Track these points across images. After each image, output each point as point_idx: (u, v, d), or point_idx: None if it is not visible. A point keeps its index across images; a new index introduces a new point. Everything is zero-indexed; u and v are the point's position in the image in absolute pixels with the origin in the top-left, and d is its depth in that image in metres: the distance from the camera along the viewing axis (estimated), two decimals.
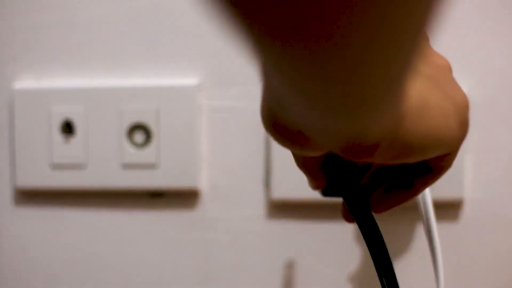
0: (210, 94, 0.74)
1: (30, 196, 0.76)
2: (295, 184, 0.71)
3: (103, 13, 0.75)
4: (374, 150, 0.39)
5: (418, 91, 0.42)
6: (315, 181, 0.51)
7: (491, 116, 0.71)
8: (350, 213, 0.49)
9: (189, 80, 0.74)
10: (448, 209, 0.71)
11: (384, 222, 0.72)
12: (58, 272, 0.76)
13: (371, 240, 0.47)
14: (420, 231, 0.72)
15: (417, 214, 0.66)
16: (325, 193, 0.51)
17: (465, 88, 0.71)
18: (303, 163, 0.51)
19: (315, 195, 0.72)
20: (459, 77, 0.72)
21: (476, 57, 0.71)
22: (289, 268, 0.73)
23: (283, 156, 0.71)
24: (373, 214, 0.49)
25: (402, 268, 0.72)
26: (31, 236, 0.76)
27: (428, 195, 0.62)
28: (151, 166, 0.73)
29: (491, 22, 0.71)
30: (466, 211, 0.72)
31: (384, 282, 0.48)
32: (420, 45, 0.33)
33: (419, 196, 0.62)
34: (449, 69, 0.49)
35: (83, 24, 0.75)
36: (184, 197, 0.74)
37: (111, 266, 0.75)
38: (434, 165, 0.48)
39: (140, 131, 0.74)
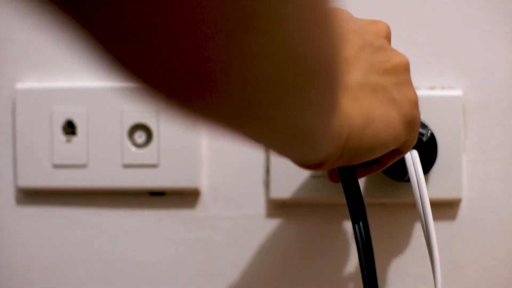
0: None
1: (31, 196, 0.77)
2: (295, 184, 0.71)
3: None
4: (320, 166, 0.46)
5: (361, 109, 0.46)
6: None
7: (488, 116, 0.72)
8: (336, 175, 0.58)
9: None
10: (446, 208, 0.72)
11: (382, 221, 0.72)
12: (60, 270, 0.77)
13: (351, 195, 0.57)
14: (418, 230, 0.73)
15: (415, 213, 0.67)
16: None
17: (462, 89, 0.72)
18: None
19: (315, 195, 0.73)
20: (456, 78, 0.72)
21: (473, 59, 0.72)
22: (289, 267, 0.74)
23: None
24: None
25: (399, 267, 0.73)
26: (33, 235, 0.77)
27: (426, 195, 0.63)
28: (151, 166, 0.74)
29: (488, 24, 0.71)
30: (464, 211, 0.72)
31: (357, 228, 0.56)
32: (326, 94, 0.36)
33: (417, 196, 0.63)
34: (403, 67, 0.51)
35: None
36: (184, 197, 0.75)
37: (112, 264, 0.76)
38: (396, 148, 0.54)
39: (141, 131, 0.74)
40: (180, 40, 0.25)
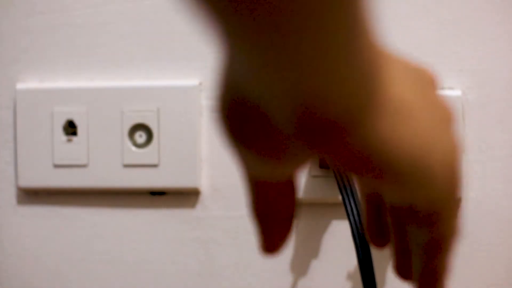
0: (210, 94, 0.74)
1: (32, 196, 0.77)
2: None
3: (105, 14, 0.76)
4: (331, 127, 0.30)
5: (400, 96, 0.34)
6: None
7: (487, 117, 0.72)
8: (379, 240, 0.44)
9: (190, 80, 0.74)
10: None
11: None
12: (60, 270, 0.77)
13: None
14: None
15: None
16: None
17: (461, 89, 0.72)
18: None
19: (315, 195, 0.73)
20: (455, 78, 0.73)
21: (472, 59, 0.72)
22: (289, 267, 0.74)
23: None
24: None
25: None
26: (33, 235, 0.77)
27: None
28: (152, 166, 0.74)
29: (488, 24, 0.72)
30: (463, 210, 0.72)
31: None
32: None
33: None
34: (448, 119, 0.38)
35: (85, 25, 0.76)
36: (184, 197, 0.75)
37: (112, 264, 0.76)
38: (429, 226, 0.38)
39: (141, 131, 0.74)
40: None
